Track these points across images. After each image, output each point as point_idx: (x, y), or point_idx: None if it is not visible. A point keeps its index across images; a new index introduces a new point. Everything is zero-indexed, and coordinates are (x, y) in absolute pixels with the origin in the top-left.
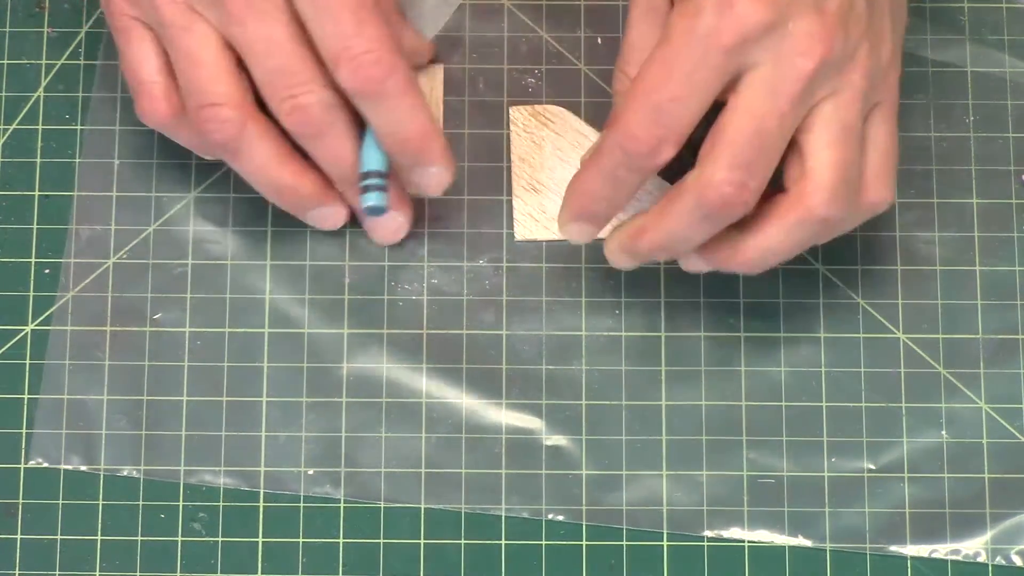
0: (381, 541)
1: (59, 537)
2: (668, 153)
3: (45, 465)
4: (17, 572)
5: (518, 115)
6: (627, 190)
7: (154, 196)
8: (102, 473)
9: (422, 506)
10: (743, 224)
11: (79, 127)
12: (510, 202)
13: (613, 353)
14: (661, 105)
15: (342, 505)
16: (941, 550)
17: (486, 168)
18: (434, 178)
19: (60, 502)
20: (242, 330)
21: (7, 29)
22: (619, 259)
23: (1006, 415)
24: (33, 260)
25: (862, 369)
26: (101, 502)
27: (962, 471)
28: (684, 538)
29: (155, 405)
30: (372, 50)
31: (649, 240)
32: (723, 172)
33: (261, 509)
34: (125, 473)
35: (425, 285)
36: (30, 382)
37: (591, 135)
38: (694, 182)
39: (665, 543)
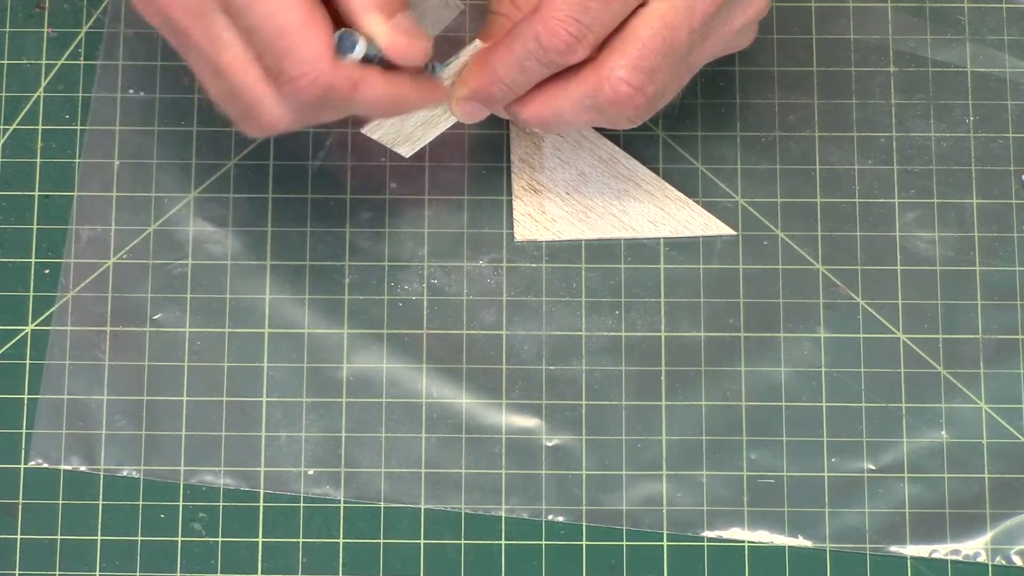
0: (381, 541)
1: (59, 537)
2: (581, 54)
3: (45, 465)
4: (17, 572)
5: None
6: (531, 80)
7: (154, 196)
8: (102, 473)
9: (422, 506)
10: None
11: (79, 127)
12: (510, 202)
13: (613, 353)
14: (587, 5)
15: (342, 505)
16: (941, 550)
17: (486, 168)
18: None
19: (60, 502)
20: (242, 330)
21: (7, 29)
22: (471, 108)
23: (1006, 415)
24: (33, 260)
25: (862, 369)
26: (101, 502)
27: (962, 471)
28: (684, 538)
29: (155, 405)
30: (305, 73)
31: (530, 111)
32: (625, 71)
33: (261, 509)
34: (125, 473)
35: (425, 285)
36: (30, 382)
37: (592, 136)
38: (592, 71)
39: (665, 543)
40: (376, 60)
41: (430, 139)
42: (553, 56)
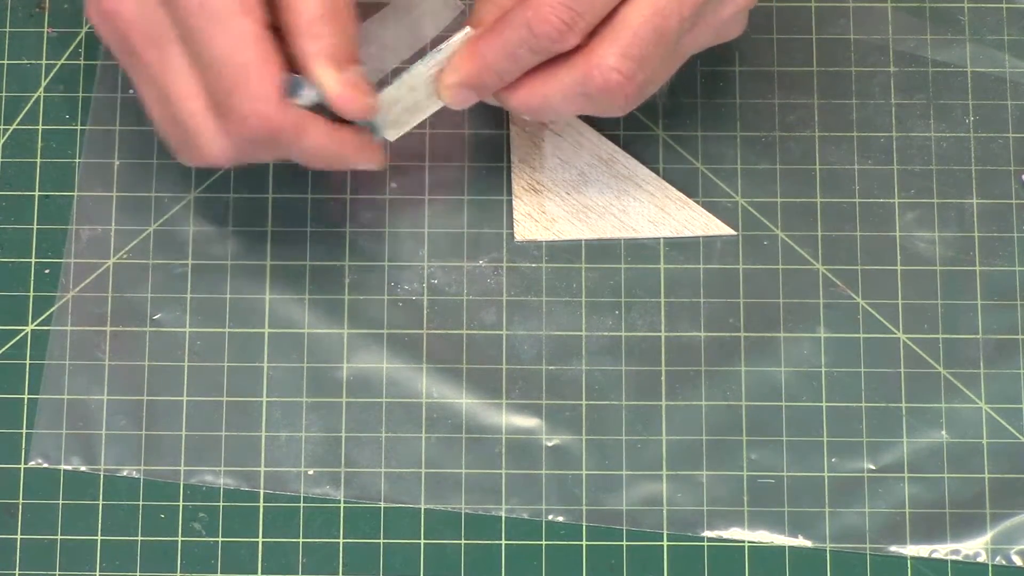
0: (381, 541)
1: (59, 537)
2: (573, 41)
3: (45, 465)
4: (17, 572)
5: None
6: (521, 67)
7: (154, 196)
8: (102, 473)
9: (422, 506)
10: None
11: (79, 127)
12: (510, 202)
13: (613, 353)
14: None
15: (342, 505)
16: (941, 550)
17: (486, 168)
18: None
19: (60, 502)
20: (242, 330)
21: (7, 29)
22: (460, 95)
23: (1006, 415)
24: (33, 260)
25: (862, 369)
26: (101, 502)
27: (962, 471)
28: (684, 538)
29: (155, 405)
30: (253, 112)
31: (519, 98)
32: (615, 59)
33: (261, 509)
34: (125, 473)
35: (425, 285)
36: (30, 382)
37: (592, 136)
38: (582, 58)
39: (665, 543)
40: (324, 110)
41: (416, 123)
42: (544, 43)
